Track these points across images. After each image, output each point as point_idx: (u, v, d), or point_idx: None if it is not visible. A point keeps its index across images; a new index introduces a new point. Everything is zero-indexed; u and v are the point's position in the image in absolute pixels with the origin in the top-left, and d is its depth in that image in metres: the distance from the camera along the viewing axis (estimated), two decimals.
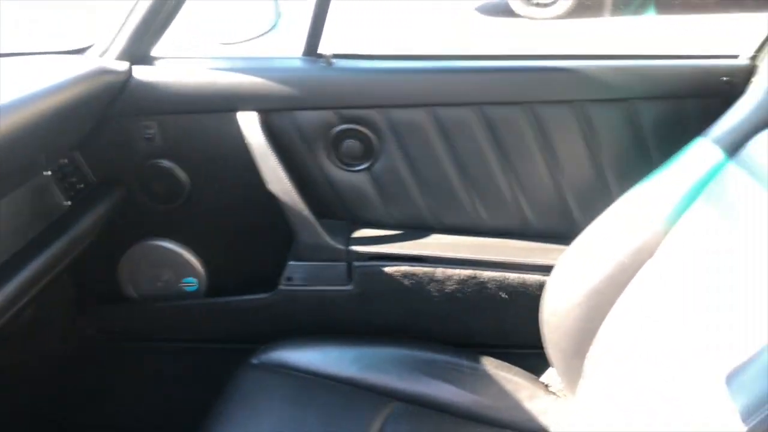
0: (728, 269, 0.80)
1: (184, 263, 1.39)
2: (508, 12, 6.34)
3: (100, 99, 1.18)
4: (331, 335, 1.27)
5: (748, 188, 0.85)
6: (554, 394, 1.21)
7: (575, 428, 1.08)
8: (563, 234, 1.25)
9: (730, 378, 0.64)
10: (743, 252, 0.79)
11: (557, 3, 6.23)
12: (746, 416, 0.59)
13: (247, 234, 1.38)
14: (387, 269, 1.26)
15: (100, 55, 1.21)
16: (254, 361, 1.20)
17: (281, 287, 1.30)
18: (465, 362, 1.23)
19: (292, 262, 1.28)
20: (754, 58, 1.27)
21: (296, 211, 1.24)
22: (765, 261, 0.74)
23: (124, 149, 1.28)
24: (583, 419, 1.06)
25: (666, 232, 0.95)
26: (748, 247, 0.79)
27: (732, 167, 0.90)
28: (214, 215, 1.35)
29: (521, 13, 6.24)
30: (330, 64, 1.25)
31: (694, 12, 6.30)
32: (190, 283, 1.39)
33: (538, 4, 6.22)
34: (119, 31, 1.20)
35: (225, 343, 1.40)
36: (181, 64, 1.27)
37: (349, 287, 1.29)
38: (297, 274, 1.29)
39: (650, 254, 0.96)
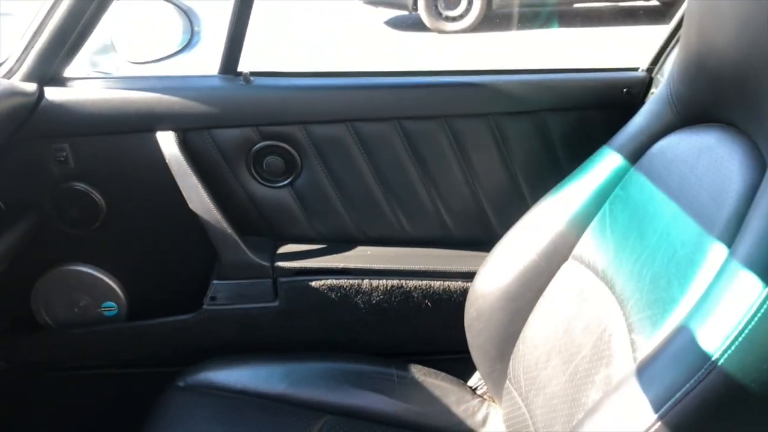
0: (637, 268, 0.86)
1: (103, 287, 1.35)
2: (418, 26, 6.49)
3: (8, 121, 1.14)
4: (259, 353, 1.26)
5: (649, 193, 0.91)
6: (481, 397, 1.25)
7: (501, 430, 1.13)
8: (483, 241, 1.30)
9: (641, 371, 0.69)
10: (648, 252, 0.86)
11: (467, 16, 6.43)
12: (657, 406, 0.63)
13: (169, 255, 1.36)
14: (313, 283, 1.27)
15: (7, 76, 1.17)
16: (180, 383, 1.18)
17: (205, 307, 1.28)
18: (394, 371, 1.25)
19: (216, 282, 1.27)
20: (650, 70, 1.36)
21: (218, 229, 1.23)
22: None
23: (36, 173, 1.24)
24: (508, 421, 1.10)
25: (578, 236, 1.01)
26: (653, 248, 0.85)
27: (634, 173, 0.96)
28: (133, 237, 1.32)
29: (432, 27, 6.41)
30: (249, 82, 1.25)
31: (595, 25, 6.64)
32: (110, 308, 1.35)
33: (447, 18, 6.40)
34: (26, 51, 1.16)
35: (149, 367, 1.37)
36: (95, 84, 1.24)
37: (275, 303, 1.29)
38: (221, 293, 1.28)
39: (564, 257, 1.02)
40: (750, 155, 0.77)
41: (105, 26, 1.19)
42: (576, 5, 6.96)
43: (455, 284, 1.29)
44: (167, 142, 1.21)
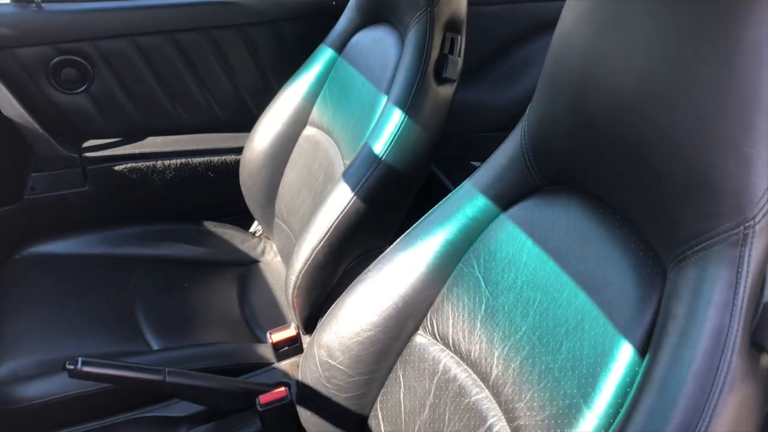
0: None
1: None
2: None
3: None
4: (78, 229, 1.53)
5: (346, 73, 1.36)
6: (259, 237, 1.69)
7: (274, 256, 1.55)
8: (246, 124, 1.64)
9: None
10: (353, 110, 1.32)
11: None
12: None
13: None
14: (116, 168, 1.57)
15: None
16: (17, 257, 1.43)
17: (26, 197, 1.52)
18: (192, 227, 1.62)
19: (34, 174, 1.52)
20: None
21: (31, 130, 1.47)
22: None
23: None
24: (280, 248, 1.52)
25: (311, 107, 1.43)
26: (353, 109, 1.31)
27: (339, 60, 1.41)
28: None
29: None
30: (40, 7, 1.48)
31: None
32: None
33: None
34: None
35: None
36: None
37: (86, 188, 1.57)
38: (39, 184, 1.53)
39: (303, 125, 1.45)
40: None
41: None
42: None
43: (230, 158, 1.67)
44: None
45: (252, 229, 1.72)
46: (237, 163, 1.60)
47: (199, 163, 1.65)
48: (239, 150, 1.58)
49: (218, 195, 1.71)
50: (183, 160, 1.64)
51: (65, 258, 1.46)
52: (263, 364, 1.23)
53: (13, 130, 1.47)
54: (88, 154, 1.56)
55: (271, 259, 1.62)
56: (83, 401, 1.12)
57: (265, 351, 1.26)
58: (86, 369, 0.99)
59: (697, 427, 0.53)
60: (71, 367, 0.98)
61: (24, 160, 1.53)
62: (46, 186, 1.54)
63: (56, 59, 1.52)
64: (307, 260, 1.17)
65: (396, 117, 1.12)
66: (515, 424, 0.71)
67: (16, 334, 1.22)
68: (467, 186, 0.87)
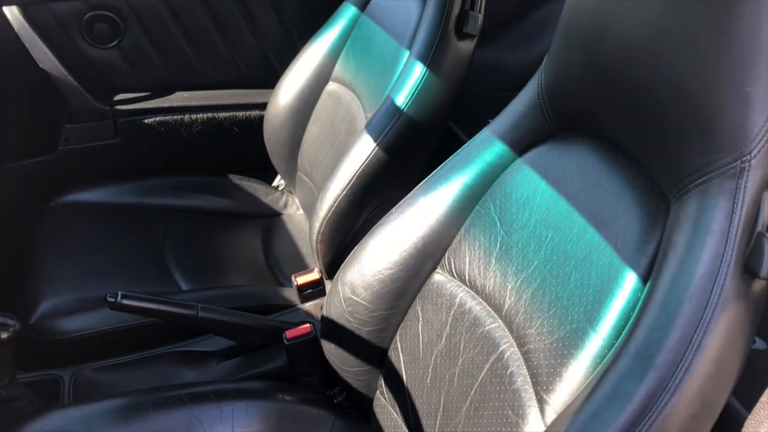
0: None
1: None
2: None
3: None
4: (109, 179, 1.59)
5: (369, 29, 1.40)
6: (281, 191, 1.75)
7: (295, 210, 1.61)
8: (269, 81, 1.68)
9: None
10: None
11: None
12: None
13: (27, 108, 1.58)
14: (146, 121, 1.64)
15: None
16: (52, 204, 1.50)
17: (60, 148, 1.59)
18: (217, 180, 1.68)
19: (68, 126, 1.59)
20: None
21: (66, 83, 1.53)
22: None
23: None
24: (302, 201, 1.58)
25: (334, 63, 1.47)
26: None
27: (362, 17, 1.44)
28: None
29: None
30: None
31: None
32: None
33: None
34: None
35: (10, 208, 1.60)
36: None
37: (116, 140, 1.64)
38: (72, 135, 1.60)
39: (327, 79, 1.50)
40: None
41: None
42: None
43: (254, 113, 1.73)
44: (14, 16, 1.47)
45: (275, 183, 1.78)
46: (261, 118, 1.65)
47: (225, 118, 1.71)
48: (263, 106, 1.63)
49: (243, 149, 1.77)
50: (209, 115, 1.69)
51: (98, 206, 1.53)
52: (288, 306, 1.30)
53: (49, 82, 1.53)
54: (119, 107, 1.63)
55: (293, 212, 1.68)
56: (120, 335, 1.20)
57: (290, 294, 1.33)
58: (125, 302, 1.06)
59: (692, 341, 0.59)
60: (112, 299, 1.05)
61: (59, 112, 1.59)
62: (80, 137, 1.61)
63: (89, 14, 1.57)
64: (331, 208, 1.22)
65: (418, 71, 1.17)
66: (525, 348, 0.77)
67: (55, 274, 1.30)
68: (486, 133, 0.93)
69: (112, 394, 1.02)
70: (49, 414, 0.96)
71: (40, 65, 1.51)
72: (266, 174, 1.76)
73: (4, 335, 0.97)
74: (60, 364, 1.19)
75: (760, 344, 0.90)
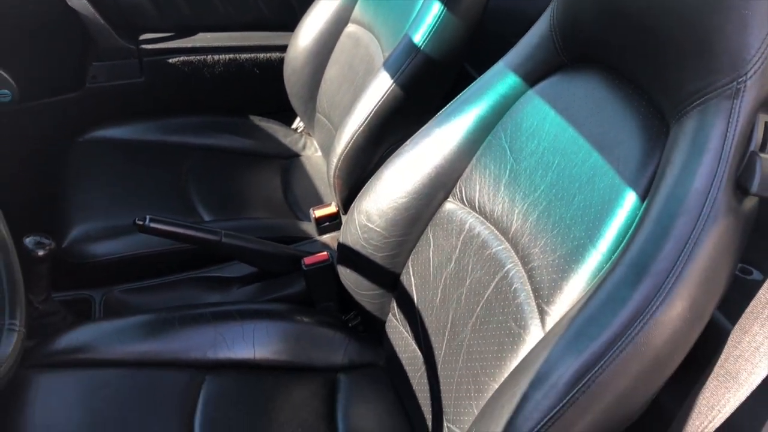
0: None
1: None
2: None
3: None
4: (134, 117, 1.64)
5: None
6: (300, 133, 1.78)
7: (315, 150, 1.65)
8: (290, 24, 1.70)
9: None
10: None
11: None
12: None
13: (55, 47, 1.61)
14: (170, 60, 1.68)
15: None
16: (80, 139, 1.55)
17: (88, 86, 1.64)
18: (238, 120, 1.73)
19: (95, 63, 1.63)
20: None
21: (94, 21, 1.57)
22: None
23: None
24: (321, 143, 1.62)
25: (353, 8, 1.50)
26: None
27: None
28: (20, 33, 1.54)
29: None
30: None
31: None
32: (4, 95, 1.63)
33: None
34: None
35: (41, 142, 1.66)
36: None
37: (141, 79, 1.68)
38: (100, 73, 1.64)
39: (346, 21, 1.53)
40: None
41: None
42: None
43: (274, 55, 1.76)
44: None
45: (294, 125, 1.82)
46: (281, 60, 1.68)
47: (246, 59, 1.74)
48: (284, 48, 1.66)
49: (263, 91, 1.80)
50: (231, 56, 1.73)
51: (123, 143, 1.59)
52: (306, 237, 1.36)
53: (77, 20, 1.56)
54: (144, 47, 1.66)
55: (311, 153, 1.72)
56: (146, 260, 1.27)
57: (308, 227, 1.39)
58: (153, 225, 1.12)
59: (683, 251, 0.63)
60: (140, 222, 1.11)
61: (86, 50, 1.63)
62: (106, 75, 1.65)
63: None
64: (348, 143, 1.27)
65: (435, 8, 1.20)
66: (529, 266, 0.81)
67: (85, 203, 1.36)
68: (500, 65, 0.96)
69: (141, 311, 1.09)
70: (83, 326, 1.03)
71: (69, 3, 1.54)
72: (286, 116, 1.79)
73: (41, 252, 1.03)
74: (91, 285, 1.25)
75: (756, 275, 0.94)
